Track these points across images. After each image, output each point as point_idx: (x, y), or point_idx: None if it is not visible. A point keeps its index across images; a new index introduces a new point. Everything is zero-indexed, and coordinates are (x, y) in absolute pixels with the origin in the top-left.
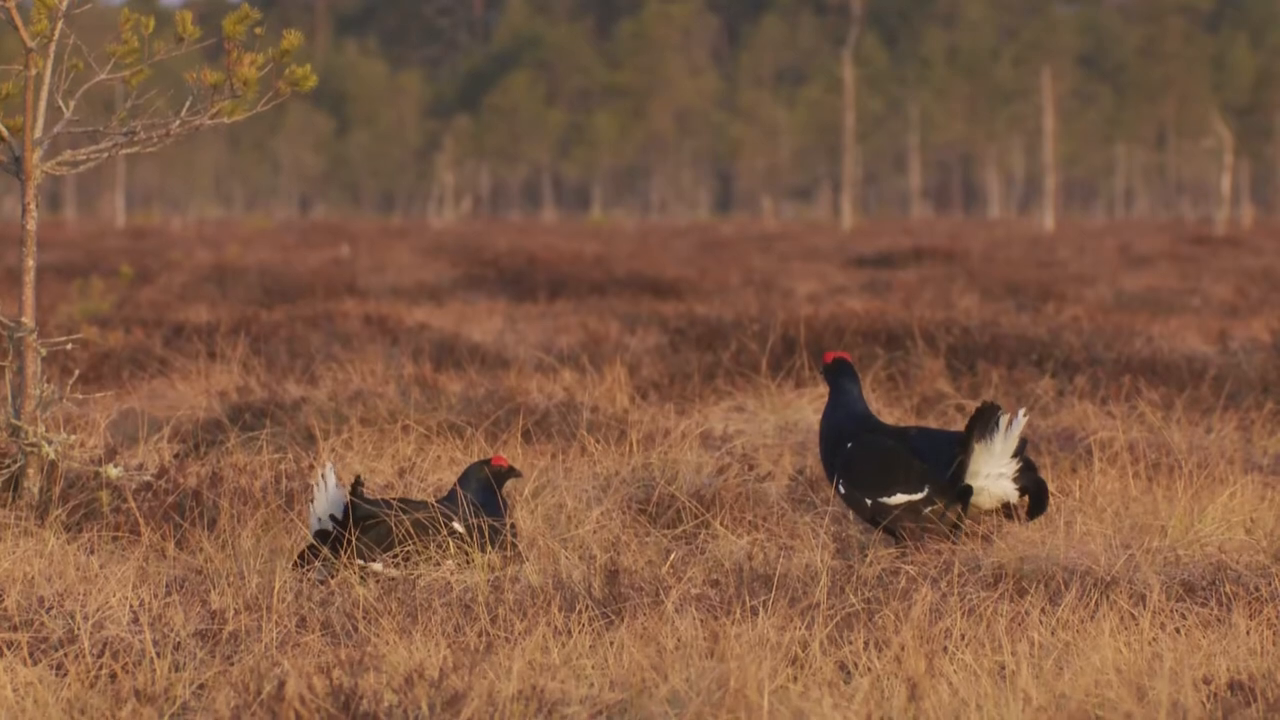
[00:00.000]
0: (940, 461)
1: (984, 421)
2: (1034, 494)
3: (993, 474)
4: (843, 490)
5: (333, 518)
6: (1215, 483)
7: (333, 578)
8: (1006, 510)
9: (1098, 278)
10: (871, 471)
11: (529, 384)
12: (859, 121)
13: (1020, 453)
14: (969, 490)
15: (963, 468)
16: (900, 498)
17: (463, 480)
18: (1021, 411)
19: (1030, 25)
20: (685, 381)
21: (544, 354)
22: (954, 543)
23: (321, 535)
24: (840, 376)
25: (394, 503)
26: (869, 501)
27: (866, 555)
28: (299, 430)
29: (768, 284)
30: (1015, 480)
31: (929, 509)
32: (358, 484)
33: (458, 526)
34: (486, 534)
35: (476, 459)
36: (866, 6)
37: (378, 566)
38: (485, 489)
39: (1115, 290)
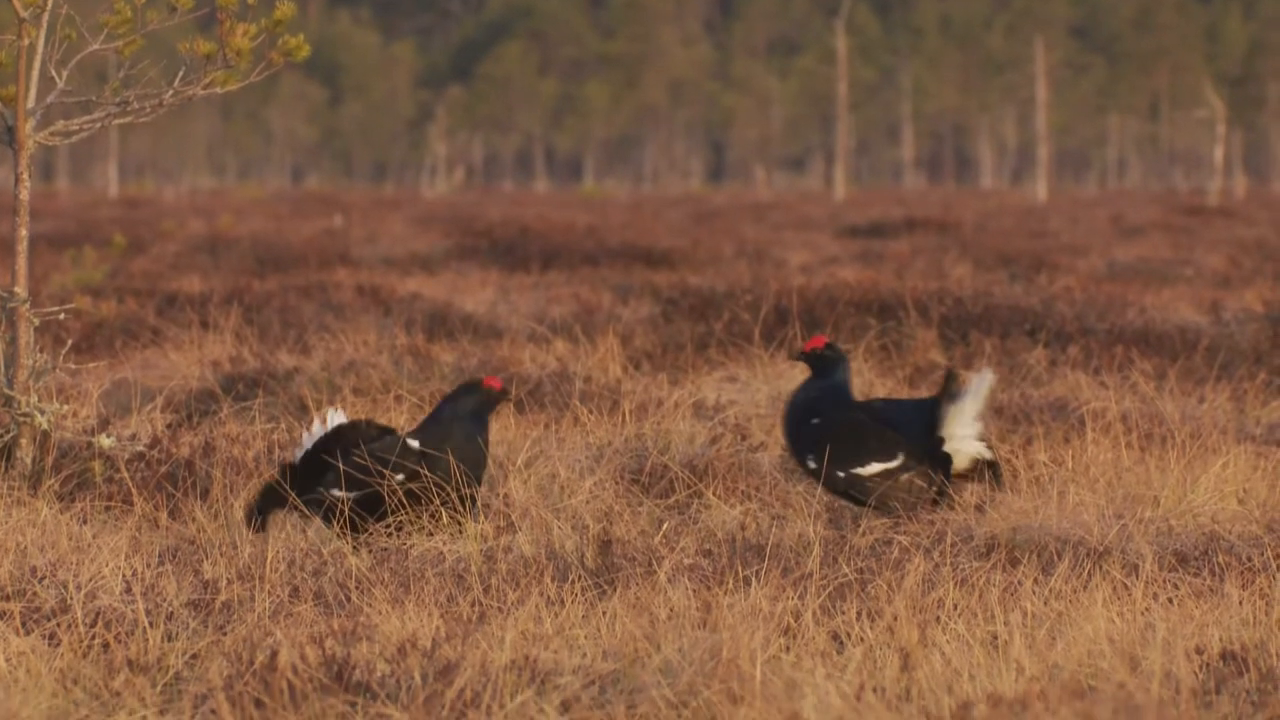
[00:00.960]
0: (911, 429)
1: (952, 384)
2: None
3: (963, 435)
4: (813, 465)
5: (290, 465)
6: (1208, 453)
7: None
8: (979, 472)
9: (1090, 248)
10: (844, 444)
11: (522, 354)
12: (851, 91)
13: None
14: (946, 454)
15: (936, 428)
16: (876, 467)
17: (452, 400)
18: (987, 371)
19: None
20: (678, 352)
21: (537, 324)
22: (941, 510)
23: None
24: (836, 363)
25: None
26: (842, 474)
27: (859, 525)
28: (292, 400)
29: (760, 254)
30: (982, 439)
31: (906, 475)
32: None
33: (413, 443)
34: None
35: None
36: None
37: (337, 493)
38: (476, 415)
39: (1108, 261)
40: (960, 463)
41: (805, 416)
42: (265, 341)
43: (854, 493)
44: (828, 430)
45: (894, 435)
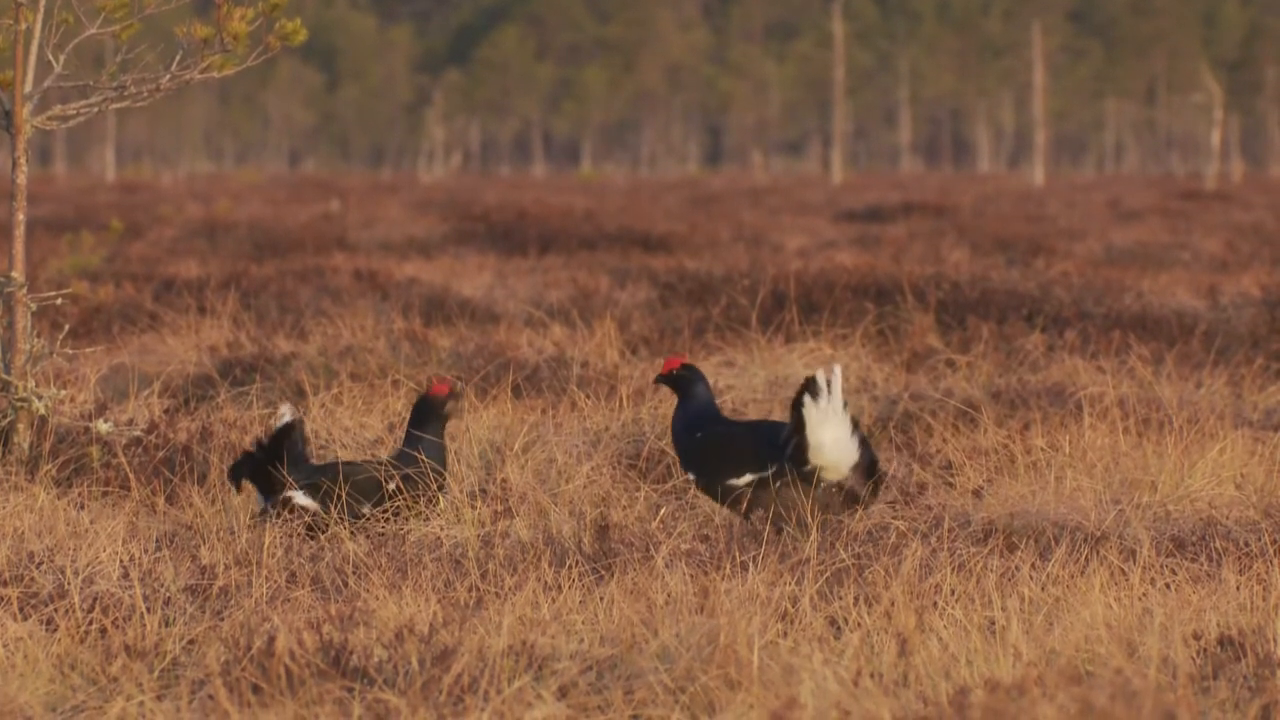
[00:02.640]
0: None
1: (810, 386)
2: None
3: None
4: (693, 477)
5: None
6: (1205, 438)
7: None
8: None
9: (1088, 233)
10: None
11: (519, 339)
12: (849, 76)
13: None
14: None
15: (801, 436)
16: (748, 477)
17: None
18: (836, 366)
19: None
20: (675, 336)
21: (534, 309)
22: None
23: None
24: (692, 383)
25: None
26: (719, 486)
27: (857, 510)
28: (289, 385)
29: (757, 238)
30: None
31: (778, 484)
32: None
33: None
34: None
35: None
36: None
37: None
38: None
39: (1105, 245)
40: (830, 460)
41: (690, 432)
42: (262, 326)
43: (726, 500)
44: (706, 446)
45: (764, 449)
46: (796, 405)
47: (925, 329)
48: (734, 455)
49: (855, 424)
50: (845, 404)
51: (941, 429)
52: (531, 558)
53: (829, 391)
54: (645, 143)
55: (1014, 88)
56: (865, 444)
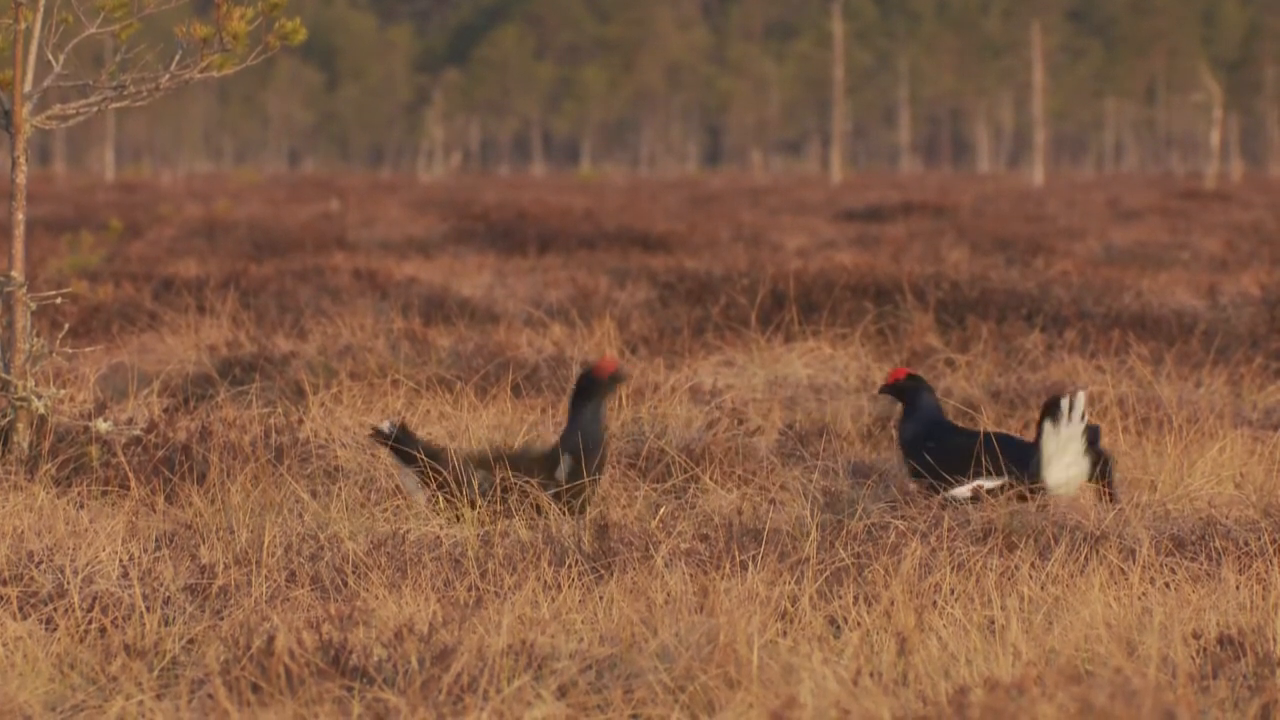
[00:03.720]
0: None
1: (1051, 411)
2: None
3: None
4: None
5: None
6: (1205, 437)
7: None
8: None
9: (1087, 232)
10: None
11: (518, 338)
12: (848, 75)
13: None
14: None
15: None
16: (979, 484)
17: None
18: (1081, 392)
19: None
20: (674, 336)
21: (533, 308)
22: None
23: None
24: (918, 393)
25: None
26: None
27: (856, 510)
28: (288, 384)
29: (757, 238)
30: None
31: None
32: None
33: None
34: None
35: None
36: None
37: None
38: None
39: (1105, 244)
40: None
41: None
42: (262, 326)
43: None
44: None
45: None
46: (1040, 429)
47: (925, 328)
48: (965, 462)
49: (1094, 438)
50: (1084, 420)
51: None
52: (531, 557)
53: (1068, 418)
54: (645, 142)
55: (1013, 87)
56: (1101, 457)
